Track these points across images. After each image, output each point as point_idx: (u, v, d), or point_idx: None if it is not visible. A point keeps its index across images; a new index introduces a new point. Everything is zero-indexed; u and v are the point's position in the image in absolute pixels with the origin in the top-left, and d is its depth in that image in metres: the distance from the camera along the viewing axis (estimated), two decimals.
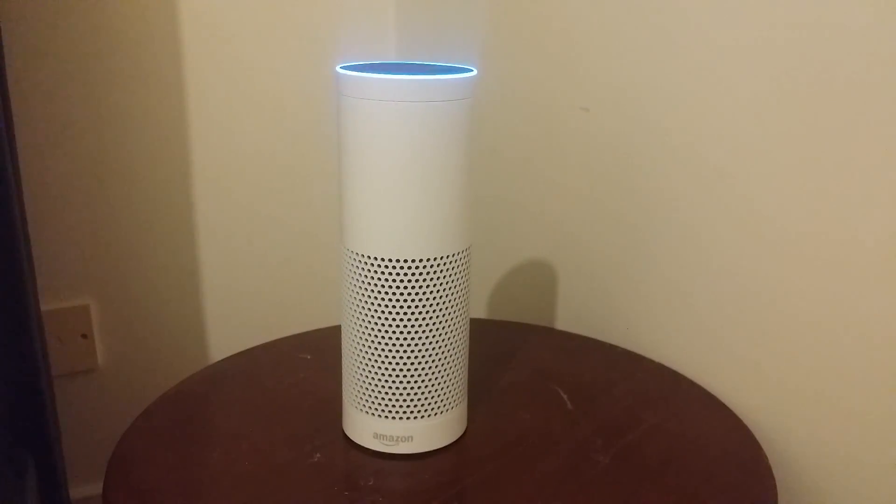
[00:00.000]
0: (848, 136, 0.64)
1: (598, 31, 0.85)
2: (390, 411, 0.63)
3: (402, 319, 0.61)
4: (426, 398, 0.63)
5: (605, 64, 0.85)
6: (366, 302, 0.61)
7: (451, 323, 0.63)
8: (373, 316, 0.61)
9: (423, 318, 0.61)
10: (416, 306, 0.61)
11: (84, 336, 1.04)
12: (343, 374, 0.66)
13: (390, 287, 0.60)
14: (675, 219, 0.80)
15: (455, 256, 0.62)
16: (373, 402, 0.64)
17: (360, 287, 0.61)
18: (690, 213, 0.78)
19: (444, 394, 0.64)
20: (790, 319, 0.71)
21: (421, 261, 0.60)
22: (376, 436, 0.64)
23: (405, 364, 0.62)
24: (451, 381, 0.64)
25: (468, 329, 0.66)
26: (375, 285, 0.61)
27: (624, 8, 0.81)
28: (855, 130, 0.64)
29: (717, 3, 0.72)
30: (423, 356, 0.62)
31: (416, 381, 0.63)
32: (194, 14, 1.02)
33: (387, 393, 0.63)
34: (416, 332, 0.61)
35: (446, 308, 0.62)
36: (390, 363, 0.62)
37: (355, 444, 0.66)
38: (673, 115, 0.78)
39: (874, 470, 0.66)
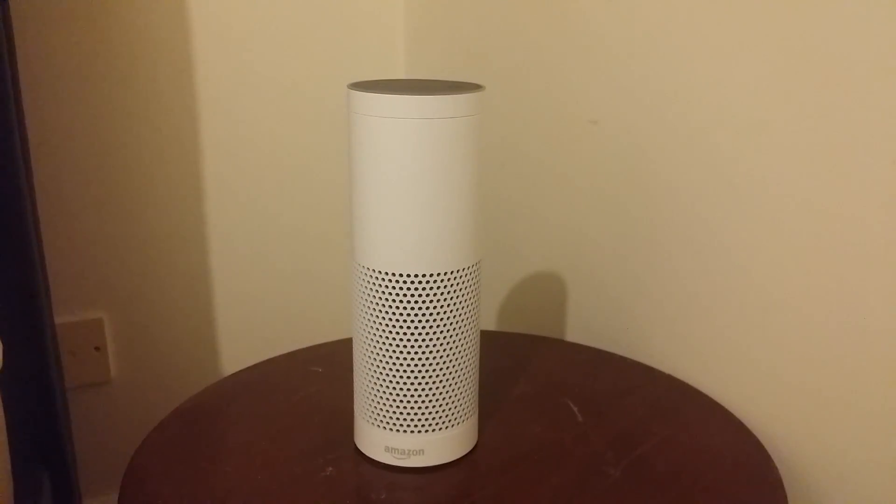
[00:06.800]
0: (866, 144, 0.64)
1: (606, 45, 0.85)
2: (402, 425, 0.64)
3: (412, 334, 0.61)
4: (437, 411, 0.64)
5: (613, 77, 0.85)
6: (377, 316, 0.62)
7: (462, 337, 0.63)
8: (384, 330, 0.62)
9: (434, 333, 0.62)
10: (427, 320, 0.61)
11: (97, 349, 1.05)
12: (354, 388, 0.67)
13: (401, 301, 0.61)
14: (684, 230, 0.80)
15: (465, 271, 0.62)
16: (384, 416, 0.64)
17: (372, 301, 0.62)
18: (701, 224, 0.79)
19: (456, 407, 0.64)
20: (804, 332, 0.71)
21: (431, 275, 0.60)
22: (388, 449, 0.65)
23: (416, 378, 0.62)
24: (462, 395, 0.65)
25: (479, 342, 0.66)
26: (386, 300, 0.61)
27: (631, 22, 0.82)
28: (872, 138, 0.64)
29: (724, 13, 0.72)
30: (434, 370, 0.63)
31: (427, 395, 0.63)
32: (207, 32, 1.03)
33: (398, 406, 0.63)
34: (427, 346, 0.62)
35: (457, 322, 0.62)
36: (401, 377, 0.62)
37: (367, 457, 0.66)
38: (682, 126, 0.79)
39: (888, 485, 0.66)
